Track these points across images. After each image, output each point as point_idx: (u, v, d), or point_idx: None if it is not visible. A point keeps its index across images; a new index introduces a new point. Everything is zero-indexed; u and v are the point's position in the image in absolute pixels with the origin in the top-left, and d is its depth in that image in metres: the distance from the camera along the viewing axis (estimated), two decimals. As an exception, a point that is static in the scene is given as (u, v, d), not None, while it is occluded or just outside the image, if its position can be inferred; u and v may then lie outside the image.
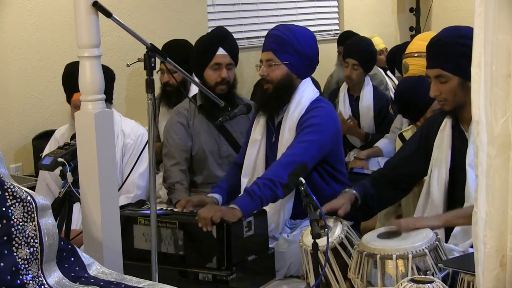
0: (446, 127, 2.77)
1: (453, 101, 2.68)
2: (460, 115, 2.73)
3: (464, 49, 2.58)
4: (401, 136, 3.82)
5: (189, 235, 2.77)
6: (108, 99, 3.38)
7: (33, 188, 3.42)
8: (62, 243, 2.16)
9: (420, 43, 3.97)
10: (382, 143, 4.46)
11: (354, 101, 4.82)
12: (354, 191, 2.81)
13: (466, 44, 2.57)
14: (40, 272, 2.07)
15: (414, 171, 2.89)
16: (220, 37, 3.66)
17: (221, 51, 3.59)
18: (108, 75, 3.43)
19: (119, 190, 3.17)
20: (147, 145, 2.57)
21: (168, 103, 4.31)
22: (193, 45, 3.94)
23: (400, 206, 3.71)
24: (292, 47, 3.11)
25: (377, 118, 4.74)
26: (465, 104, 2.65)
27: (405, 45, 4.60)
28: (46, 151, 3.49)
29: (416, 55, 4.07)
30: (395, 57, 4.84)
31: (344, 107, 4.81)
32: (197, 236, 2.75)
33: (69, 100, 3.46)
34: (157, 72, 2.53)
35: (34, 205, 2.08)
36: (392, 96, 5.45)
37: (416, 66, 4.09)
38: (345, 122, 4.65)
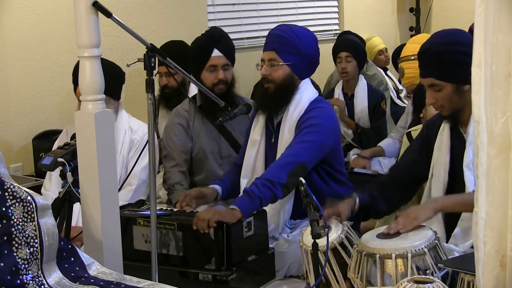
0: (445, 129, 2.78)
1: (450, 106, 2.69)
2: (459, 117, 2.74)
3: (455, 55, 2.60)
4: (408, 135, 3.83)
5: (188, 236, 2.77)
6: (116, 97, 3.40)
7: (33, 188, 3.42)
8: (62, 243, 2.16)
9: (414, 46, 3.98)
10: (385, 143, 4.47)
11: (349, 99, 4.83)
12: (357, 199, 2.81)
13: (456, 51, 2.59)
14: (40, 272, 2.07)
15: (418, 174, 2.89)
16: (214, 38, 3.63)
17: (216, 53, 3.58)
18: (117, 72, 3.45)
19: (123, 184, 3.19)
20: (147, 144, 2.57)
21: (167, 105, 4.31)
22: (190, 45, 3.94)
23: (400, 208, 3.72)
24: (295, 48, 3.11)
25: (372, 114, 4.76)
26: (463, 107, 2.66)
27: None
28: (56, 145, 3.50)
29: (412, 57, 4.08)
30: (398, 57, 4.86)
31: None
32: (196, 237, 2.74)
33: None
34: (154, 75, 2.53)
35: (34, 205, 2.08)
36: (393, 95, 5.47)
37: (412, 69, 4.11)
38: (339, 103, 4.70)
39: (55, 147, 3.54)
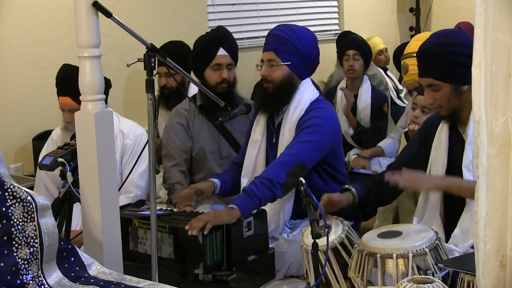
0: (443, 128, 2.78)
1: (448, 107, 2.70)
2: (457, 117, 2.74)
3: (453, 56, 2.61)
4: (406, 134, 3.84)
5: (178, 240, 2.74)
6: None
7: (33, 188, 3.42)
8: (62, 243, 2.16)
9: (418, 43, 3.96)
10: (384, 143, 4.48)
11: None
12: (354, 189, 2.83)
13: (454, 51, 2.60)
14: (40, 272, 2.07)
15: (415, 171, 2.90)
16: (221, 37, 3.65)
17: (221, 52, 3.59)
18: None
19: (118, 190, 3.18)
20: (147, 145, 2.56)
21: (167, 105, 4.31)
22: (191, 45, 3.94)
23: (397, 207, 3.73)
24: (294, 48, 3.10)
25: (374, 115, 4.76)
26: (461, 107, 2.67)
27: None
28: (43, 151, 3.49)
29: (415, 54, 4.07)
30: (400, 56, 4.86)
31: (342, 106, 4.82)
32: (185, 241, 2.71)
33: None
34: (154, 76, 2.53)
35: (34, 205, 2.08)
36: (392, 95, 5.47)
37: (416, 66, 4.09)
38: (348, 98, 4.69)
39: (43, 150, 3.53)
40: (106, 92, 3.45)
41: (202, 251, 2.66)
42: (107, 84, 3.51)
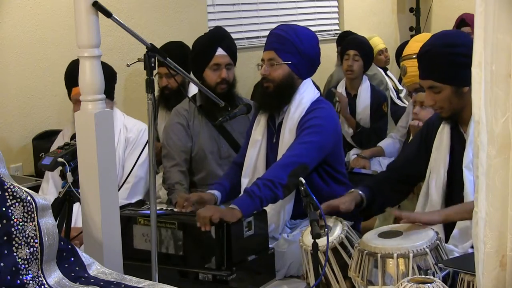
0: (444, 129, 2.78)
1: (449, 108, 2.70)
2: (459, 117, 2.74)
3: (453, 57, 2.60)
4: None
5: (189, 235, 2.77)
6: (110, 97, 3.40)
7: (33, 188, 3.42)
8: (62, 243, 2.16)
9: (417, 44, 3.97)
10: (384, 143, 4.47)
11: (351, 99, 4.83)
12: (360, 192, 2.82)
13: (454, 53, 2.60)
14: (40, 272, 2.07)
15: (415, 172, 2.90)
16: (219, 37, 3.65)
17: (220, 52, 3.59)
18: (109, 72, 3.45)
19: (122, 184, 3.20)
20: (147, 144, 2.56)
21: (166, 106, 4.31)
22: (191, 45, 3.95)
23: (400, 207, 3.72)
24: (295, 47, 3.11)
25: (373, 115, 4.76)
26: (463, 108, 2.67)
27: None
28: (54, 147, 3.49)
29: (414, 56, 4.07)
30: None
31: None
32: (197, 236, 2.74)
33: (70, 97, 3.48)
34: (154, 76, 2.54)
35: (34, 205, 2.08)
36: (392, 95, 5.47)
37: (414, 67, 4.09)
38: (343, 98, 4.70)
39: (53, 146, 3.55)
40: (113, 86, 3.49)
41: (215, 245, 2.68)
42: (114, 77, 3.53)
